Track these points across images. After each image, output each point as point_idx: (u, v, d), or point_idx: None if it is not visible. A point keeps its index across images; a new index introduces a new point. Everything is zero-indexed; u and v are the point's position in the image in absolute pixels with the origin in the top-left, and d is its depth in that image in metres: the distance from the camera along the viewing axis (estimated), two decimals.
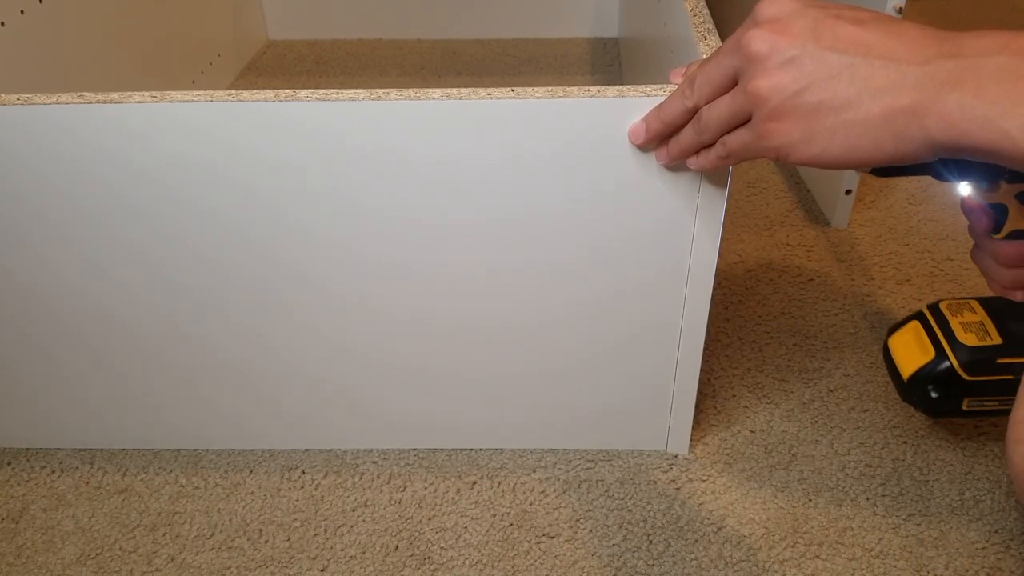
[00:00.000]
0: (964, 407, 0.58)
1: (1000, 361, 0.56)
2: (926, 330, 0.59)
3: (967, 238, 0.52)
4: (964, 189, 0.49)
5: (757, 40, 0.39)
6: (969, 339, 0.57)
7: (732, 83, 0.42)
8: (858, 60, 0.38)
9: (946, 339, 0.58)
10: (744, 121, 0.42)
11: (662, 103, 0.47)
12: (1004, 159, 0.35)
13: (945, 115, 0.35)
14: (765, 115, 0.40)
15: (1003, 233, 0.48)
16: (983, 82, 0.34)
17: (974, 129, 0.34)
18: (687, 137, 0.46)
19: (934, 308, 0.60)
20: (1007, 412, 0.60)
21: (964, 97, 0.35)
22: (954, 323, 0.58)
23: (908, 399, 0.61)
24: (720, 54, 0.42)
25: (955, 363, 0.57)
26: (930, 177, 0.46)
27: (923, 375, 0.58)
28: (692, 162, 0.48)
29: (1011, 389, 0.57)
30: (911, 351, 0.60)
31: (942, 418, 0.67)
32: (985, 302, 0.59)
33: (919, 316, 0.61)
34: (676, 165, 0.50)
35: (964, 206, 0.50)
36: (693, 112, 0.45)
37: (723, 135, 0.44)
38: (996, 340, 0.57)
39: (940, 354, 0.58)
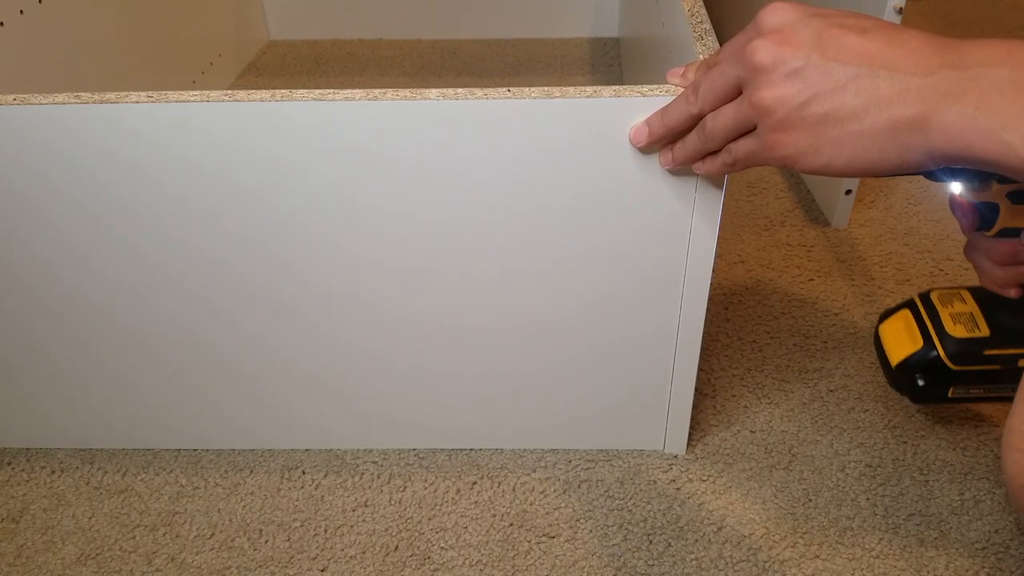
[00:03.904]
0: (949, 395, 0.60)
1: (987, 352, 0.57)
2: (916, 319, 0.60)
3: (967, 238, 0.52)
4: (956, 188, 0.49)
5: (761, 51, 0.39)
6: (957, 331, 0.58)
7: (736, 92, 0.42)
8: (863, 71, 0.37)
9: (935, 329, 0.59)
10: (749, 130, 0.42)
11: (665, 107, 0.47)
12: (1006, 170, 0.35)
13: (948, 127, 0.35)
14: (771, 126, 0.40)
15: (994, 230, 0.49)
16: (985, 93, 0.34)
17: (976, 140, 0.35)
18: (692, 143, 0.46)
19: (925, 297, 0.61)
20: (992, 400, 0.62)
21: (966, 108, 0.35)
22: (944, 313, 0.59)
23: (895, 385, 0.62)
24: (723, 62, 0.42)
25: (942, 353, 0.58)
26: (925, 177, 0.46)
27: (911, 363, 0.59)
28: (698, 167, 0.48)
29: (997, 378, 0.58)
30: (900, 339, 0.61)
31: (927, 404, 0.69)
32: (976, 291, 0.60)
33: (910, 304, 0.62)
34: None
35: (952, 203, 0.50)
36: (697, 118, 0.45)
37: (728, 143, 0.44)
38: (984, 332, 0.57)
39: (928, 344, 0.59)
